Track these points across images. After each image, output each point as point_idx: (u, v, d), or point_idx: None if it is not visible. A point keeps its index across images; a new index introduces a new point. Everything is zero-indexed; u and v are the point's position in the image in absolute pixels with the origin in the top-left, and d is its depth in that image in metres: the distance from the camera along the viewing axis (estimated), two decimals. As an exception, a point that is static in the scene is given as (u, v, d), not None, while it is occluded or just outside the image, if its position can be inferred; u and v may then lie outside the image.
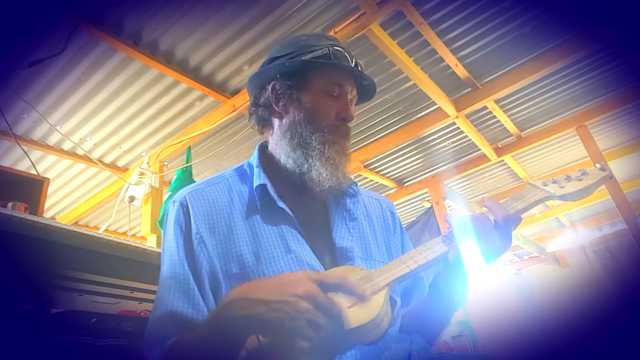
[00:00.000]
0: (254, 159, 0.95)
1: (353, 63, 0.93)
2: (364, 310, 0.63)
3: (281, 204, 0.85)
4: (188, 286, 0.77)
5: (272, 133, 0.95)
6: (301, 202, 0.90)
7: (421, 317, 0.88)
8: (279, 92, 0.92)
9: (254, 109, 0.97)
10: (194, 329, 0.71)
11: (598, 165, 0.90)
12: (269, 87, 0.93)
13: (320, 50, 0.91)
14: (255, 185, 0.88)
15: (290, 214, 0.85)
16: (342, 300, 0.64)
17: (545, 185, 0.85)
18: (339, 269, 0.79)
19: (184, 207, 0.84)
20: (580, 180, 0.86)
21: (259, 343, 0.63)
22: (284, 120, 0.93)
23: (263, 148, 0.98)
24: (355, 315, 0.62)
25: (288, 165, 0.90)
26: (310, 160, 0.88)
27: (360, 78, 0.96)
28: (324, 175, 0.87)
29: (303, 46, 0.92)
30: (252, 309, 0.60)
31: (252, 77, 0.97)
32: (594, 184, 0.86)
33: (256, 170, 0.90)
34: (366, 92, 1.00)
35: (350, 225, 0.91)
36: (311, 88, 0.91)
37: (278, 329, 0.59)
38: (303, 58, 0.90)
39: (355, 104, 0.99)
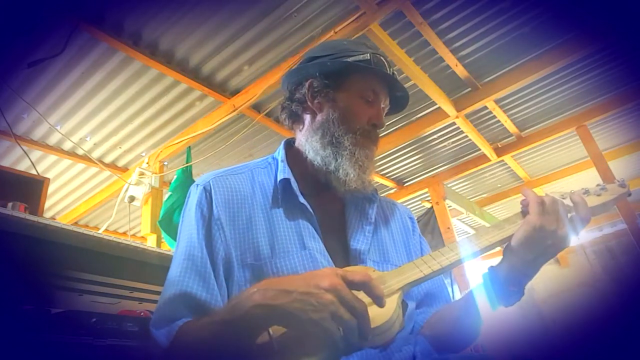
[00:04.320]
0: (279, 153, 0.96)
1: (390, 73, 0.95)
2: (378, 311, 0.62)
3: (302, 200, 0.86)
4: (205, 269, 0.76)
5: (302, 129, 0.97)
6: (321, 201, 0.91)
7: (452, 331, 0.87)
8: (316, 89, 0.93)
9: (287, 103, 0.98)
10: (208, 314, 0.70)
11: (617, 181, 0.85)
12: (307, 84, 0.95)
13: (362, 55, 0.92)
14: (279, 178, 0.88)
15: (311, 210, 0.86)
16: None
17: (563, 199, 0.80)
18: (357, 268, 0.79)
19: (207, 192, 0.85)
20: (598, 195, 0.82)
21: (271, 339, 0.62)
22: (317, 118, 0.94)
23: (289, 144, 0.99)
24: (370, 316, 0.60)
25: (315, 163, 0.91)
26: (340, 160, 0.89)
27: (394, 89, 0.98)
28: (351, 175, 0.88)
29: (345, 49, 0.95)
30: (276, 299, 0.59)
31: (290, 73, 0.99)
32: (613, 200, 0.81)
33: (281, 165, 0.92)
34: (398, 103, 1.02)
35: (366, 229, 0.92)
36: (348, 90, 0.93)
37: (301, 320, 0.57)
38: (345, 60, 0.92)
39: (386, 115, 1.00)
